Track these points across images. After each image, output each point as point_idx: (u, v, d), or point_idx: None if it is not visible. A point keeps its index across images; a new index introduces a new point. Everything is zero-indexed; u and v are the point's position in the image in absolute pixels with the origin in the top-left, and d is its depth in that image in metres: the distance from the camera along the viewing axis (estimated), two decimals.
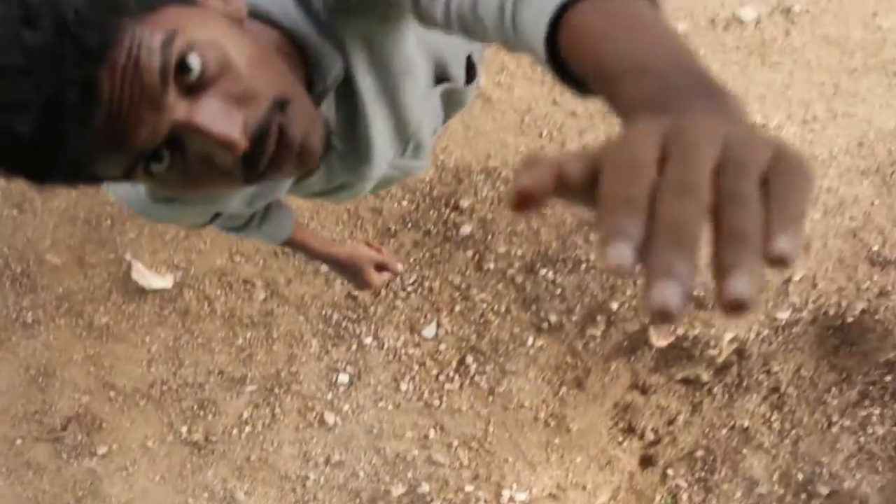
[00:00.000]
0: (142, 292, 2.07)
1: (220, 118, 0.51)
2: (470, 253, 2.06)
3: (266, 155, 0.55)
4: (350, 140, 0.78)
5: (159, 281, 2.07)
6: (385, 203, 2.01)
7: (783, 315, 2.12)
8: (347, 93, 0.73)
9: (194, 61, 0.50)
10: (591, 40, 0.41)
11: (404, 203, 2.01)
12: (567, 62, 0.45)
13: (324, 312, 2.12)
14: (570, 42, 0.44)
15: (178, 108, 0.51)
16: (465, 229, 2.03)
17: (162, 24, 0.49)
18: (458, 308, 2.13)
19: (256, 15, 0.63)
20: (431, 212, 2.01)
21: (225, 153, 0.52)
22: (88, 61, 0.46)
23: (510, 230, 2.04)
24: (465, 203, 2.00)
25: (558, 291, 2.11)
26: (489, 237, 2.05)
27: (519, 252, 2.07)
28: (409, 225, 2.02)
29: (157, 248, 2.04)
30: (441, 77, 0.85)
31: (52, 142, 0.48)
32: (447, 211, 2.01)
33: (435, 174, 1.98)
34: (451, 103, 0.97)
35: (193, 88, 0.51)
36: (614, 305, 2.09)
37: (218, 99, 0.51)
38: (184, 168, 0.55)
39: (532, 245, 2.06)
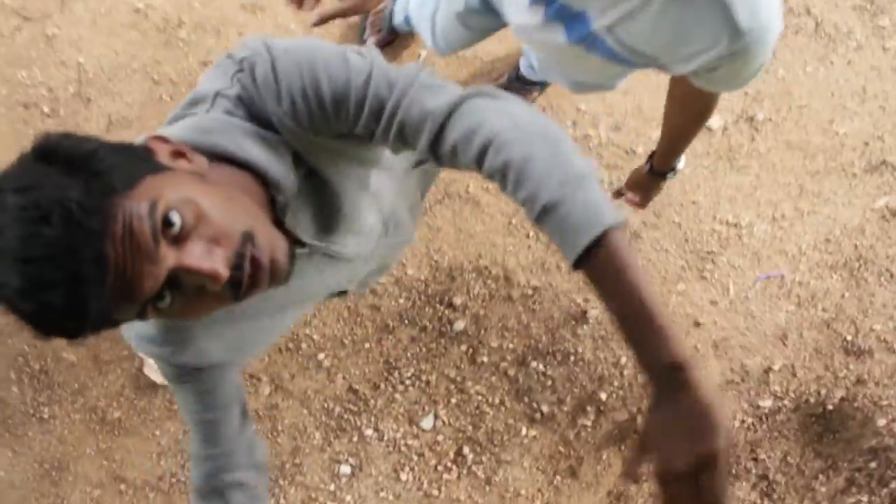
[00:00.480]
0: (153, 387, 2.22)
1: (204, 258, 0.66)
2: (464, 347, 2.22)
3: (245, 278, 0.71)
4: (330, 218, 0.91)
5: None
6: (383, 301, 2.18)
7: (766, 403, 2.25)
8: (318, 183, 0.86)
9: (175, 218, 0.64)
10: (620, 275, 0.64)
11: (401, 301, 2.18)
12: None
13: (326, 405, 2.26)
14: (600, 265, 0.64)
15: (170, 257, 0.64)
16: (459, 325, 2.19)
17: (144, 194, 0.63)
18: (454, 400, 2.27)
19: (217, 154, 0.75)
20: (427, 309, 2.18)
21: (213, 283, 0.68)
22: (95, 240, 0.61)
23: (502, 325, 2.21)
24: (458, 300, 2.17)
25: (549, 383, 2.25)
26: (482, 332, 2.22)
27: (511, 346, 2.23)
28: (406, 321, 2.19)
29: None
30: (420, 160, 0.99)
31: (78, 307, 0.62)
32: (441, 308, 2.18)
33: (429, 273, 2.16)
34: (429, 177, 1.13)
35: (178, 238, 0.65)
36: (603, 396, 2.23)
37: (199, 243, 0.66)
38: (183, 300, 0.70)
39: (523, 339, 2.22)
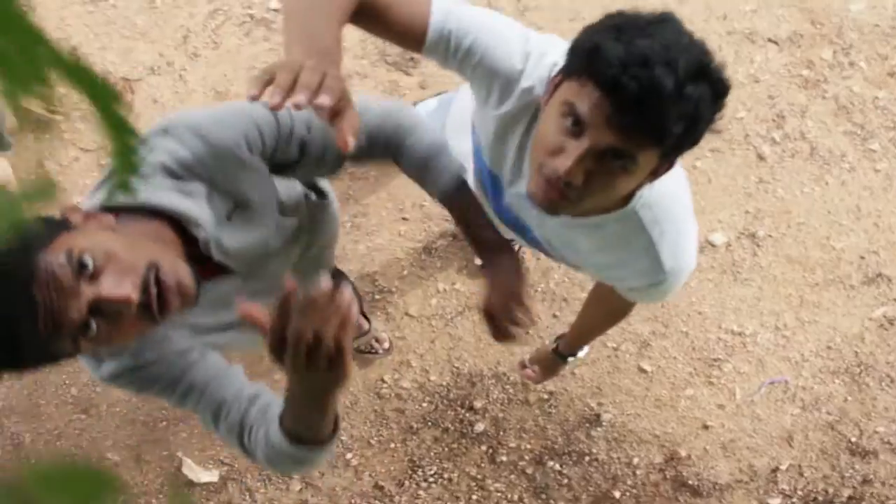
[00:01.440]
0: (191, 486, 2.47)
1: (115, 287, 0.84)
2: (484, 447, 2.45)
3: (153, 299, 0.88)
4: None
5: (206, 475, 2.47)
6: (407, 405, 2.42)
7: (775, 501, 2.46)
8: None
9: (87, 260, 0.83)
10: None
11: (424, 404, 2.42)
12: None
13: (353, 501, 2.49)
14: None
15: (87, 291, 0.83)
16: (479, 427, 2.43)
17: (61, 247, 0.83)
18: (475, 497, 2.49)
19: (132, 208, 0.98)
20: (449, 412, 2.42)
21: (127, 306, 0.85)
22: (26, 288, 0.79)
23: (520, 427, 2.44)
24: (478, 404, 2.41)
25: (565, 481, 2.47)
26: (501, 433, 2.45)
27: (528, 446, 2.46)
28: (430, 423, 2.43)
29: (206, 445, 2.45)
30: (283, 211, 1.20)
31: (14, 343, 0.80)
32: (463, 411, 2.42)
33: (451, 379, 2.41)
34: (315, 220, 1.35)
35: (93, 276, 0.83)
36: (617, 494, 2.45)
37: (110, 276, 0.84)
38: (108, 327, 0.86)
39: (540, 440, 2.45)
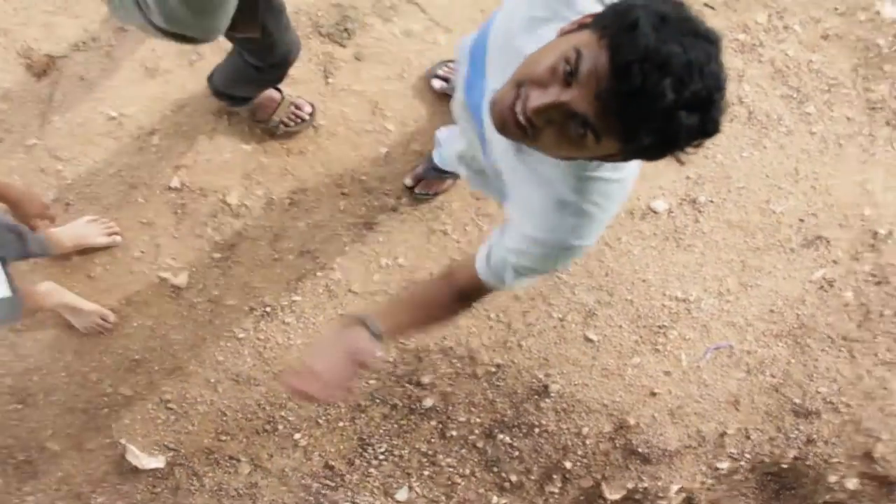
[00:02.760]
0: (136, 472, 2.58)
1: None
2: (434, 423, 2.60)
3: None
4: None
5: (152, 461, 2.58)
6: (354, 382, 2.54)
7: (723, 465, 2.64)
8: None
9: None
10: None
11: (371, 381, 2.56)
12: None
13: (304, 482, 2.62)
14: None
15: None
16: (428, 402, 2.57)
17: None
18: (426, 472, 2.64)
19: None
20: (396, 388, 2.56)
21: None
22: None
23: (469, 401, 2.59)
24: (426, 379, 2.55)
25: (516, 454, 2.63)
26: (450, 408, 2.59)
27: (478, 420, 2.61)
28: (378, 401, 2.56)
29: (150, 431, 2.57)
30: None
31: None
32: (411, 387, 2.56)
33: (397, 355, 2.54)
34: None
35: None
36: (568, 464, 2.61)
37: None
38: None
39: (489, 413, 2.60)
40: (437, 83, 2.49)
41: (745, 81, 2.57)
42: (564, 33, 1.08)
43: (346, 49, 2.49)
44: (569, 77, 0.99)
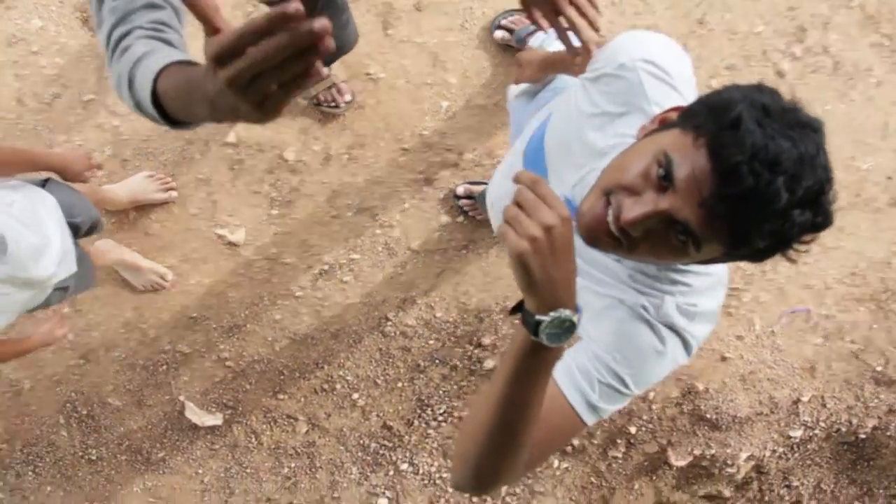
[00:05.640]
0: (195, 429, 2.96)
1: None
2: None
3: None
4: None
5: (210, 419, 2.96)
6: (413, 342, 2.88)
7: (796, 433, 2.91)
8: None
9: None
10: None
11: (431, 342, 2.87)
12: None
13: (362, 442, 2.97)
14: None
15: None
16: (489, 363, 2.87)
17: None
18: None
19: None
20: (457, 349, 2.87)
21: None
22: None
23: None
24: (486, 340, 2.85)
25: None
26: None
27: None
28: (437, 361, 2.88)
29: (208, 388, 2.94)
30: None
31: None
32: (471, 348, 2.87)
33: (458, 315, 2.85)
34: None
35: None
36: (633, 429, 2.90)
37: None
38: None
39: None
40: (499, 34, 2.73)
41: (831, 29, 2.75)
42: (648, 133, 1.14)
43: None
44: (663, 182, 1.03)
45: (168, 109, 1.03)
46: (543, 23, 1.51)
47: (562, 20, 1.46)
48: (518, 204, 0.99)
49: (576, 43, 1.49)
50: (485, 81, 2.76)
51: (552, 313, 0.99)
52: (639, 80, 1.28)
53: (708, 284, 1.27)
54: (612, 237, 1.08)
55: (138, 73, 1.06)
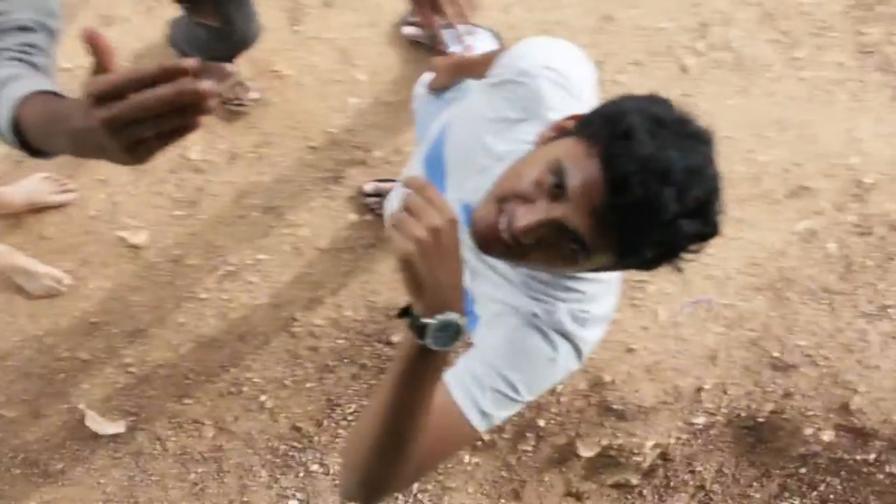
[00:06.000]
0: (96, 438, 2.91)
1: None
2: None
3: None
4: None
5: (112, 427, 2.91)
6: (322, 342, 2.88)
7: (699, 420, 3.04)
8: None
9: None
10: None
11: (340, 341, 2.88)
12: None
13: (271, 444, 2.97)
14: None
15: None
16: None
17: None
18: None
19: None
20: (366, 347, 2.89)
21: None
22: None
23: None
24: (396, 338, 2.88)
25: None
26: None
27: None
28: (346, 360, 2.89)
29: (110, 395, 2.88)
30: None
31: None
32: (380, 346, 2.90)
33: (366, 314, 2.87)
34: None
35: None
36: (542, 422, 2.98)
37: None
38: None
39: None
40: (409, 30, 2.73)
41: (732, 25, 2.85)
42: (545, 140, 1.16)
43: None
44: (556, 190, 1.05)
45: (28, 137, 1.01)
46: (424, 20, 1.54)
47: (439, 19, 1.50)
48: (406, 207, 1.00)
49: (451, 44, 1.54)
50: (394, 78, 2.76)
51: (438, 316, 0.99)
52: (539, 86, 1.30)
53: (600, 290, 1.30)
54: (504, 244, 1.09)
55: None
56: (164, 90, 0.74)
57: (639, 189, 0.97)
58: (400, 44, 2.75)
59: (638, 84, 2.89)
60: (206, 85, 0.73)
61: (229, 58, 2.47)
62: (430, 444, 1.17)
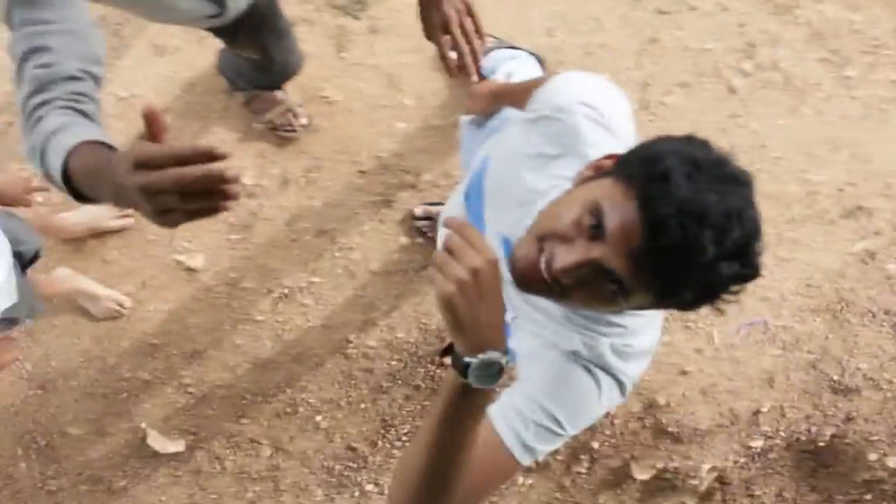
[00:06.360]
0: (157, 456, 2.97)
1: None
2: None
3: None
4: None
5: (173, 445, 2.97)
6: (376, 364, 2.91)
7: (757, 443, 2.97)
8: None
9: None
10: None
11: (393, 363, 2.91)
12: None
13: (326, 464, 3.00)
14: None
15: None
16: None
17: None
18: None
19: None
20: (419, 369, 2.91)
21: None
22: None
23: None
24: (448, 360, 2.87)
25: None
26: None
27: None
28: (400, 381, 2.91)
29: (170, 415, 2.94)
30: None
31: None
32: (433, 367, 2.91)
33: (419, 335, 2.89)
34: None
35: None
36: (596, 444, 2.96)
37: None
38: None
39: None
40: (454, 54, 2.76)
41: (780, 45, 2.83)
42: (583, 180, 1.17)
43: (359, 21, 2.79)
44: (595, 231, 1.05)
45: (76, 185, 1.08)
46: (434, 39, 1.61)
47: (447, 39, 1.56)
48: (447, 248, 1.01)
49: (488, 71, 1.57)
50: (440, 102, 2.81)
51: (480, 355, 1.00)
52: (575, 122, 1.31)
53: (642, 324, 1.30)
54: (544, 283, 1.10)
55: (50, 147, 1.10)
56: (195, 170, 0.83)
57: (676, 232, 0.97)
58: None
59: (685, 105, 2.88)
60: (232, 171, 0.83)
61: (275, 86, 2.55)
62: (474, 477, 1.17)
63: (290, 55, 2.35)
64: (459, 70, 1.57)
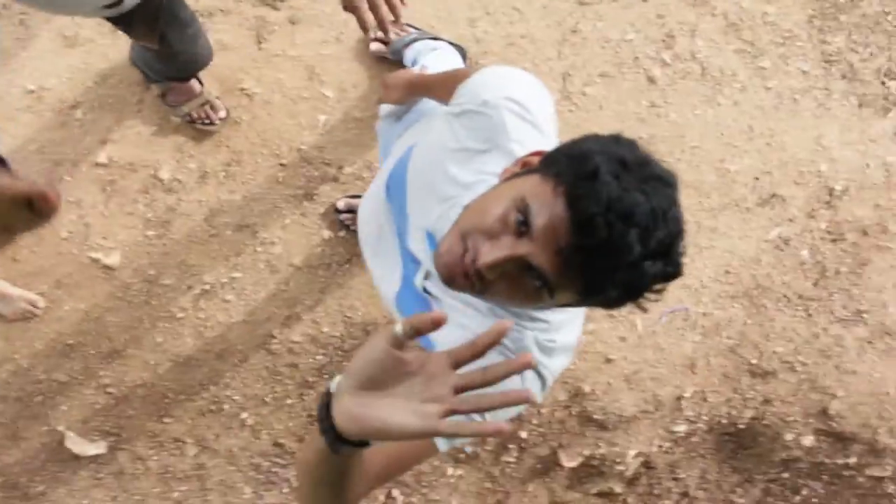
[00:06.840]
0: (76, 459, 2.87)
1: None
2: None
3: None
4: None
5: (93, 447, 2.87)
6: (301, 359, 2.85)
7: (680, 428, 3.00)
8: None
9: None
10: None
11: (319, 357, 2.85)
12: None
13: (253, 461, 2.93)
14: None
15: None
16: None
17: None
18: None
19: None
20: (345, 363, 2.85)
21: None
22: None
23: None
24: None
25: None
26: None
27: None
28: (326, 376, 2.86)
29: (89, 416, 2.84)
30: None
31: None
32: None
33: (344, 330, 2.84)
34: None
35: None
36: (524, 434, 2.95)
37: None
38: None
39: None
40: (375, 46, 2.72)
41: (697, 36, 2.84)
42: (510, 176, 1.15)
43: (279, 12, 2.71)
44: (521, 227, 1.04)
45: None
46: (360, 21, 1.54)
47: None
48: None
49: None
50: (362, 94, 2.75)
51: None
52: (501, 118, 1.28)
53: (566, 320, 1.28)
54: (468, 278, 1.08)
55: None
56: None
57: (604, 230, 0.97)
58: (367, 60, 2.74)
59: (606, 96, 2.89)
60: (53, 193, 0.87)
61: (186, 77, 2.47)
62: (387, 462, 1.16)
63: (195, 46, 2.25)
64: (379, 25, 1.53)
